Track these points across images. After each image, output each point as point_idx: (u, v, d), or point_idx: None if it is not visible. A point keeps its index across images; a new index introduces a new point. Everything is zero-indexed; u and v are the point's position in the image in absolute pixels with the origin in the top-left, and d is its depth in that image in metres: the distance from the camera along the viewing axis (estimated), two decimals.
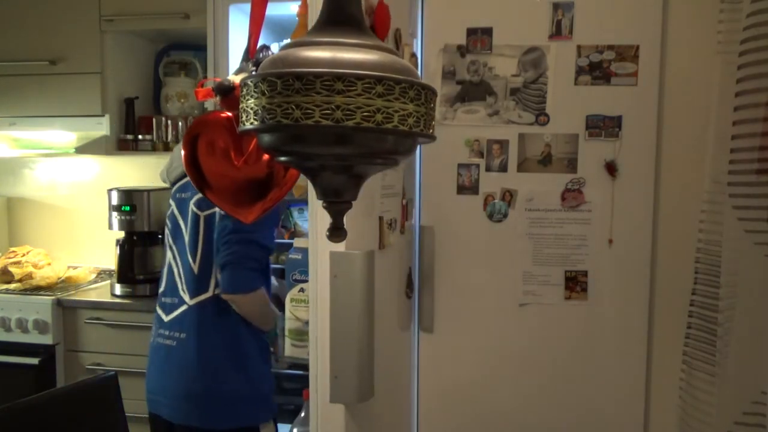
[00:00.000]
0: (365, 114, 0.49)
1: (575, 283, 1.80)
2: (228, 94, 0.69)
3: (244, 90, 0.53)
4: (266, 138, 0.53)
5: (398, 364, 1.86)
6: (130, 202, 2.45)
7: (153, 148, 2.56)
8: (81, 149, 2.61)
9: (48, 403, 1.45)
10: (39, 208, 2.97)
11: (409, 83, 0.51)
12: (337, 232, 0.57)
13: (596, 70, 1.75)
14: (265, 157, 0.72)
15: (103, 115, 2.51)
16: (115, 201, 2.46)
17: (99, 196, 2.69)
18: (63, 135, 2.71)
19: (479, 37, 1.79)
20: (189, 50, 2.72)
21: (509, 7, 1.77)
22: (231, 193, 0.74)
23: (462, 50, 1.80)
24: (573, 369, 1.81)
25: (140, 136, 2.58)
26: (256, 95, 0.51)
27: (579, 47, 1.74)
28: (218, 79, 0.70)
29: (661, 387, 1.77)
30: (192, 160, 0.71)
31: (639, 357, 1.78)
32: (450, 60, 1.81)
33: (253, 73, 0.62)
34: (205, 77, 2.51)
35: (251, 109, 0.52)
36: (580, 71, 1.75)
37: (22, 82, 2.54)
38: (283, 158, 0.55)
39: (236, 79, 0.69)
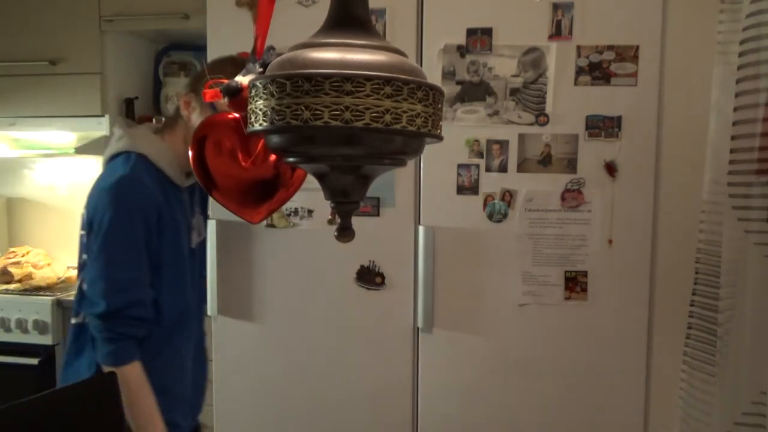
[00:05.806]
0: (374, 115, 0.49)
1: (575, 284, 1.80)
2: (236, 95, 0.69)
3: (253, 91, 0.53)
4: (275, 139, 0.54)
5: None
6: None
7: None
8: (81, 149, 2.61)
9: (48, 403, 1.44)
10: (39, 209, 2.97)
11: (417, 84, 0.52)
12: (345, 232, 0.57)
13: (596, 71, 1.75)
14: (272, 157, 0.73)
15: (102, 116, 2.50)
16: None
17: None
18: (63, 135, 2.71)
19: (479, 37, 1.79)
20: (189, 50, 2.72)
21: (509, 7, 1.78)
22: (238, 194, 0.75)
23: (462, 50, 1.80)
24: (573, 369, 1.82)
25: None
26: (265, 96, 0.51)
27: (579, 47, 1.75)
28: (225, 80, 0.71)
29: (661, 387, 1.78)
30: (199, 161, 0.72)
31: (639, 357, 1.79)
32: (450, 60, 1.81)
33: (260, 74, 0.62)
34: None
35: (260, 110, 0.52)
36: (579, 71, 1.76)
37: (22, 82, 2.53)
38: (291, 159, 0.55)
39: (244, 81, 0.69)
